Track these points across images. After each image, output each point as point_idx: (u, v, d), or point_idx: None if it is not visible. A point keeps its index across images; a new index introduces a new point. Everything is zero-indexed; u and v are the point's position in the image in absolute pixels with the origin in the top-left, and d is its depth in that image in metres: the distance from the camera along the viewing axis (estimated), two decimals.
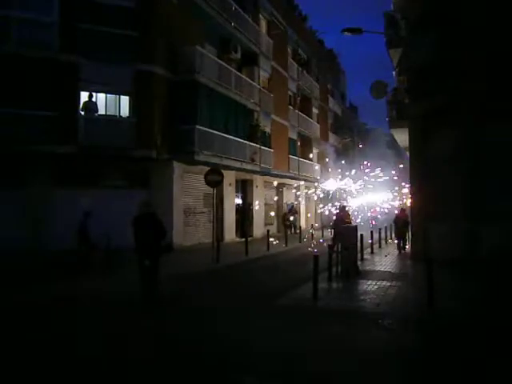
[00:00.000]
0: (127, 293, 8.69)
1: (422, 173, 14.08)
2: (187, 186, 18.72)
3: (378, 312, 7.53)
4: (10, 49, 14.41)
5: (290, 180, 29.35)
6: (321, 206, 24.11)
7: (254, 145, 22.77)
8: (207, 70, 18.34)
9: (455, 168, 12.75)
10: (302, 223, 28.70)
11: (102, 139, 15.43)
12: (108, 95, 16.76)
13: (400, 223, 16.87)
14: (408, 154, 16.24)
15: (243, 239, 17.50)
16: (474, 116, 12.12)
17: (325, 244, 16.39)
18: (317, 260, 8.88)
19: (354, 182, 23.04)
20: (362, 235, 14.53)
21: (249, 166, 21.84)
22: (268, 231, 19.28)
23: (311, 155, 32.79)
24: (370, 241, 16.82)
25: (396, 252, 16.59)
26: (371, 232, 17.39)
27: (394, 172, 23.67)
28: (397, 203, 20.24)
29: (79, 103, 15.92)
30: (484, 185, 12.11)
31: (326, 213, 15.77)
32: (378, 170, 22.36)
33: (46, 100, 14.97)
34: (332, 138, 40.57)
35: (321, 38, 39.47)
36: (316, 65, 36.46)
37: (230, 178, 20.81)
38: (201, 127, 17.64)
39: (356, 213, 15.27)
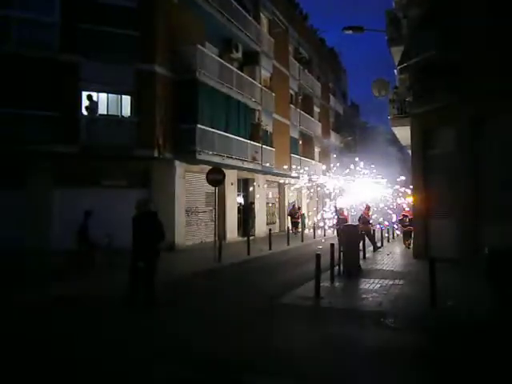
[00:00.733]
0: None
1: (424, 171, 14.06)
2: (189, 186, 18.73)
3: (381, 311, 7.51)
4: (10, 49, 14.42)
5: (291, 179, 29.31)
6: (327, 204, 24.06)
7: (256, 144, 22.76)
8: (208, 69, 18.32)
9: (456, 166, 12.71)
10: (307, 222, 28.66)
11: (103, 139, 15.45)
12: (109, 95, 16.76)
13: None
14: (410, 151, 16.22)
15: (245, 238, 17.50)
16: (475, 114, 12.07)
17: (323, 241, 16.50)
18: (319, 259, 8.87)
19: (347, 179, 22.89)
20: (363, 234, 14.54)
21: (250, 165, 21.83)
22: (270, 230, 19.27)
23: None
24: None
25: (398, 250, 16.57)
26: (373, 231, 17.36)
27: (394, 171, 23.58)
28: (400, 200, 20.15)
29: (80, 103, 15.92)
30: (485, 183, 12.06)
31: (327, 211, 15.81)
32: (372, 167, 22.27)
33: (48, 100, 14.97)
34: (333, 136, 40.53)
35: (322, 36, 39.47)
36: (317, 63, 36.42)
37: (231, 177, 20.80)
38: (202, 126, 17.63)
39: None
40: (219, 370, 5.01)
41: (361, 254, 13.06)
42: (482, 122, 12.17)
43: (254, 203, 24.09)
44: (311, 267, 9.24)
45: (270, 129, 25.87)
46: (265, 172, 24.54)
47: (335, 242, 11.43)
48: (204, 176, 15.26)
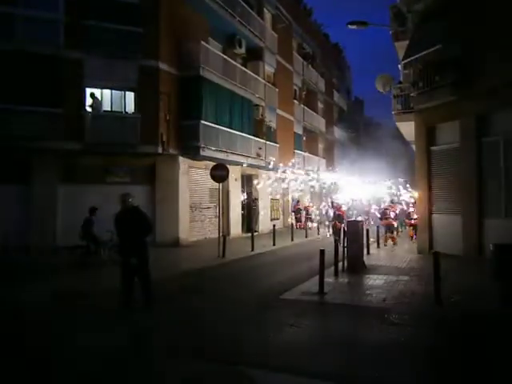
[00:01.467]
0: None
1: (428, 166, 14.03)
2: (193, 182, 18.76)
3: (385, 307, 7.53)
4: (15, 46, 14.42)
5: (294, 174, 29.24)
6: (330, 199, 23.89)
7: (260, 140, 22.75)
8: (212, 65, 18.30)
9: (461, 162, 12.67)
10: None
11: (107, 135, 15.48)
12: (113, 91, 16.78)
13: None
14: (414, 147, 16.17)
15: (249, 234, 17.53)
16: (480, 110, 12.01)
17: (328, 235, 16.49)
18: (323, 255, 8.89)
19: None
20: (367, 230, 14.52)
21: (254, 161, 21.82)
22: (274, 226, 19.29)
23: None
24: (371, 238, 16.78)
25: (402, 247, 16.56)
26: (377, 227, 17.36)
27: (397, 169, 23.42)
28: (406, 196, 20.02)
29: (85, 100, 15.96)
30: (488, 180, 12.02)
31: (325, 207, 15.78)
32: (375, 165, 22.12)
33: (52, 97, 14.99)
34: (337, 132, 40.44)
35: (326, 31, 39.31)
36: (321, 59, 36.28)
37: (235, 172, 20.81)
38: (206, 122, 17.64)
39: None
40: (223, 364, 5.04)
41: (365, 250, 13.06)
42: (486, 117, 12.12)
43: (257, 199, 24.10)
44: (315, 263, 9.26)
45: (273, 125, 25.84)
46: (268, 168, 24.51)
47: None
48: (208, 172, 15.28)
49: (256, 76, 22.88)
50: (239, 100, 20.94)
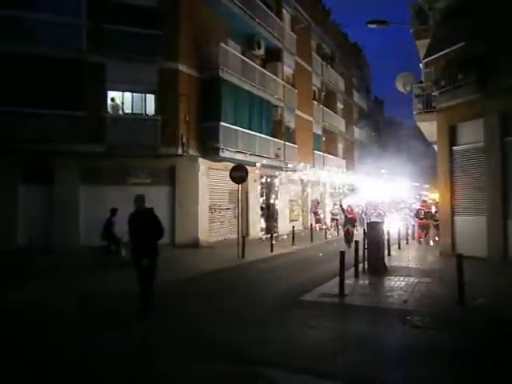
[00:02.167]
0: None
1: (450, 167, 13.78)
2: (212, 183, 18.85)
3: (406, 309, 7.42)
4: (38, 51, 14.75)
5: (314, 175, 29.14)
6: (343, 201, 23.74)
7: (279, 141, 22.72)
8: (231, 66, 18.38)
9: (484, 162, 12.41)
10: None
11: (128, 137, 15.68)
12: (134, 94, 17.01)
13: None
14: (436, 147, 15.91)
15: (268, 235, 17.51)
16: (504, 109, 11.74)
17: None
18: (343, 256, 8.81)
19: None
20: (388, 231, 14.35)
21: (273, 162, 21.80)
22: (293, 227, 19.22)
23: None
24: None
25: (423, 248, 16.31)
26: (398, 228, 17.16)
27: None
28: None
29: (106, 103, 16.22)
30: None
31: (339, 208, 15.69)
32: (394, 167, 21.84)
33: (74, 100, 15.28)
34: (357, 132, 40.10)
35: (345, 31, 39.02)
36: (340, 59, 36.04)
37: (254, 174, 20.82)
38: (225, 124, 17.72)
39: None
40: (242, 365, 5.04)
41: (386, 251, 12.90)
42: (510, 116, 11.83)
43: (276, 200, 24.05)
44: (335, 264, 9.19)
45: (292, 125, 25.76)
46: (287, 169, 24.47)
47: (360, 239, 11.33)
48: (227, 173, 15.34)
49: (275, 77, 22.87)
50: (258, 101, 20.96)
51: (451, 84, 12.91)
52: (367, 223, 12.21)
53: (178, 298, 8.74)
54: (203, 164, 17.91)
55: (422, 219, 17.26)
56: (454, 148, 13.74)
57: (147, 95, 17.07)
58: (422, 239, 17.18)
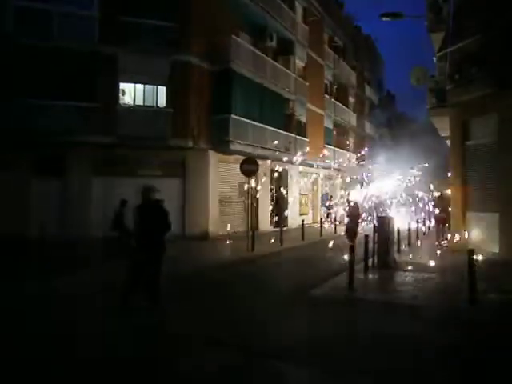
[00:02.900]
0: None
1: (463, 162, 13.62)
2: (222, 175, 18.88)
3: (416, 304, 7.38)
4: (52, 42, 14.86)
5: (324, 169, 29.06)
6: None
7: (290, 134, 22.64)
8: (243, 59, 18.33)
9: (497, 157, 12.24)
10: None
11: (139, 129, 15.77)
12: (146, 86, 17.06)
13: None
14: (448, 142, 15.73)
15: (278, 229, 17.52)
16: None
17: (360, 231, 16.12)
18: (353, 250, 8.78)
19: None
20: (398, 227, 14.23)
21: (284, 156, 21.73)
22: (303, 221, 19.20)
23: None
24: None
25: (434, 243, 16.16)
26: (409, 223, 17.03)
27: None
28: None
29: (118, 94, 16.30)
30: None
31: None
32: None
33: (87, 91, 15.39)
34: (368, 127, 39.80)
35: (358, 24, 38.65)
36: (353, 52, 35.72)
37: (264, 167, 20.79)
38: (236, 116, 17.70)
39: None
40: (250, 356, 5.07)
41: (395, 246, 12.83)
42: None
43: (286, 194, 24.01)
44: (344, 258, 9.16)
45: (303, 119, 25.66)
46: (298, 162, 24.39)
47: (370, 233, 11.27)
48: (237, 166, 15.34)
49: (286, 70, 22.76)
50: (269, 94, 20.88)
51: (465, 78, 12.71)
52: (377, 217, 12.12)
53: (186, 290, 8.80)
54: (213, 157, 17.93)
55: (439, 213, 16.93)
56: (467, 143, 13.57)
57: (159, 87, 17.12)
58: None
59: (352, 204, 14.49)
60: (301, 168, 25.50)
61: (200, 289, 8.92)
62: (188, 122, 16.73)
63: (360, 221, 13.82)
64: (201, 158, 17.39)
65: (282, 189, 23.94)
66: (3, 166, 14.73)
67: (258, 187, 20.42)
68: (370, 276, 9.97)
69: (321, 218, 22.25)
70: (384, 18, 14.79)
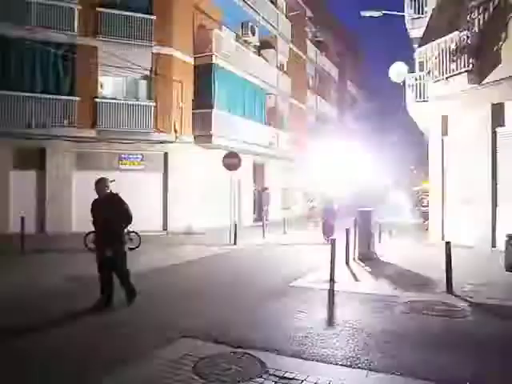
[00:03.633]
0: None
1: (441, 156, 13.92)
2: (205, 170, 18.83)
3: (395, 295, 7.56)
4: (30, 33, 14.58)
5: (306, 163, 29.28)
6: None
7: (272, 128, 22.72)
8: (225, 52, 18.28)
9: (474, 152, 12.54)
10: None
11: (120, 123, 15.65)
12: (127, 79, 16.88)
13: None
14: (428, 137, 16.02)
15: (260, 223, 17.62)
16: (496, 99, 11.85)
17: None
18: (334, 243, 8.92)
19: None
20: (379, 220, 14.47)
21: (266, 150, 21.83)
22: (285, 215, 19.34)
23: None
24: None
25: (413, 236, 16.50)
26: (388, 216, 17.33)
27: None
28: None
29: (98, 87, 16.10)
30: (503, 170, 11.89)
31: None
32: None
33: (66, 84, 15.21)
34: (351, 121, 40.17)
35: (340, 19, 38.89)
36: (335, 47, 35.94)
37: (247, 161, 20.85)
38: (218, 111, 17.67)
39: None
40: (233, 348, 5.14)
41: (376, 239, 13.06)
42: (503, 106, 11.95)
43: (268, 188, 24.13)
44: (326, 252, 9.30)
45: (286, 113, 25.76)
46: (280, 157, 24.53)
47: (351, 225, 11.45)
48: (220, 160, 15.36)
49: (269, 64, 22.78)
50: (252, 88, 20.90)
51: (444, 74, 12.97)
52: (358, 211, 12.31)
53: (163, 284, 8.81)
54: (196, 151, 17.89)
55: (425, 207, 17.29)
56: (445, 138, 13.87)
57: (140, 81, 16.97)
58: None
59: (327, 197, 14.41)
60: (283, 162, 25.67)
61: (178, 282, 8.95)
62: (170, 116, 16.66)
63: (335, 214, 13.64)
64: (183, 152, 17.34)
65: (264, 183, 24.08)
66: None
67: (241, 181, 20.49)
68: (351, 268, 10.15)
69: (306, 213, 22.33)
70: (365, 14, 14.98)
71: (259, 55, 22.41)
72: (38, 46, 14.66)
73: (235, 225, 14.59)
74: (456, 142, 13.50)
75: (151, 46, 16.27)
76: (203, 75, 17.67)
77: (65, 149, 15.75)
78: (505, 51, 11.35)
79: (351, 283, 8.72)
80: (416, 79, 16.07)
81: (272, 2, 23.74)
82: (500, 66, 11.41)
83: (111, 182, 7.12)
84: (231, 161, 14.71)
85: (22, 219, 11.89)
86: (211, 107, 17.37)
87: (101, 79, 16.22)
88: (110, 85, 16.61)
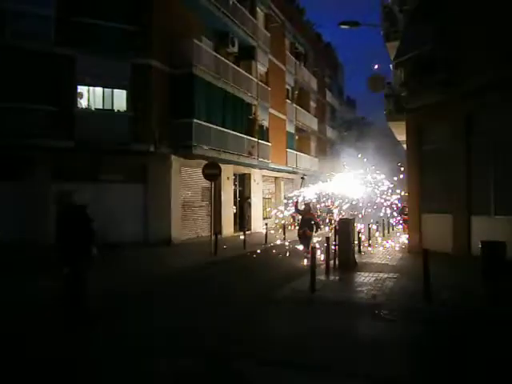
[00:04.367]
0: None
1: (419, 166, 14.17)
2: (185, 180, 18.77)
3: (375, 303, 7.63)
4: (6, 42, 14.35)
5: (287, 174, 29.46)
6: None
7: (252, 138, 22.80)
8: (205, 63, 18.31)
9: (450, 162, 12.82)
10: None
11: (99, 133, 15.43)
12: (105, 89, 16.72)
13: None
14: (405, 147, 16.32)
15: (241, 233, 17.59)
16: (469, 110, 12.16)
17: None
18: (314, 253, 8.97)
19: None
20: (359, 229, 14.63)
21: (247, 160, 21.88)
22: (266, 225, 19.36)
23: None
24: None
25: (393, 245, 16.71)
26: (368, 225, 17.52)
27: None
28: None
29: (76, 97, 15.90)
30: (477, 179, 12.16)
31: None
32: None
33: (44, 94, 14.93)
34: (330, 131, 40.62)
35: (318, 31, 39.48)
36: (313, 58, 36.41)
37: (228, 171, 20.86)
38: (198, 121, 17.64)
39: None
40: (212, 359, 5.10)
41: (356, 248, 13.17)
42: (474, 117, 12.26)
43: (250, 198, 24.16)
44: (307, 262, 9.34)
45: (266, 123, 25.92)
46: (261, 167, 24.61)
47: (331, 235, 11.52)
48: (200, 170, 15.32)
49: (248, 75, 22.92)
50: (232, 99, 20.96)
51: (419, 86, 13.26)
52: (338, 220, 12.41)
53: (142, 299, 8.70)
54: (176, 161, 17.80)
55: (406, 215, 17.48)
56: (423, 148, 14.14)
57: (119, 91, 16.82)
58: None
59: (304, 206, 13.98)
60: (264, 172, 25.75)
61: (161, 292, 8.84)
62: (149, 126, 16.53)
63: (313, 223, 13.20)
64: (163, 162, 17.21)
65: (245, 193, 24.11)
66: None
67: (222, 192, 20.48)
68: (332, 277, 10.20)
69: (285, 222, 22.29)
70: (343, 26, 15.25)
71: (239, 66, 22.53)
72: (14, 55, 14.42)
73: (216, 235, 14.51)
74: (431, 152, 13.76)
75: (130, 56, 16.17)
76: (183, 85, 17.63)
77: (43, 159, 15.46)
78: (476, 63, 11.67)
79: (331, 292, 8.75)
80: (392, 90, 16.40)
81: (251, 14, 23.96)
82: (471, 77, 11.72)
83: (74, 192, 6.95)
84: (211, 171, 14.70)
85: None
86: (191, 117, 17.33)
87: (79, 89, 16.01)
88: (88, 95, 16.42)
